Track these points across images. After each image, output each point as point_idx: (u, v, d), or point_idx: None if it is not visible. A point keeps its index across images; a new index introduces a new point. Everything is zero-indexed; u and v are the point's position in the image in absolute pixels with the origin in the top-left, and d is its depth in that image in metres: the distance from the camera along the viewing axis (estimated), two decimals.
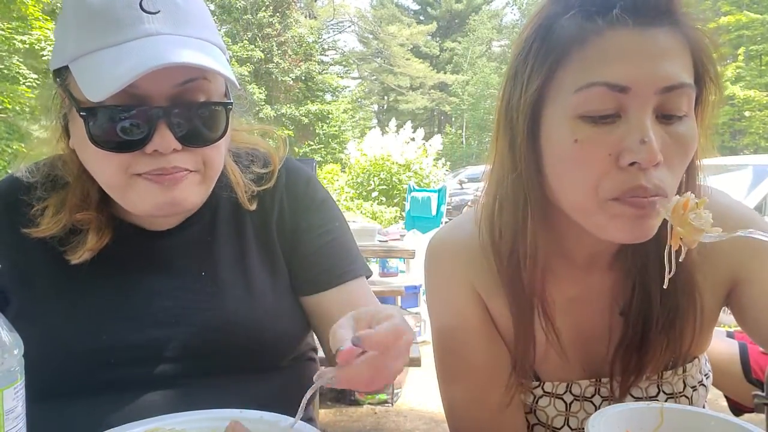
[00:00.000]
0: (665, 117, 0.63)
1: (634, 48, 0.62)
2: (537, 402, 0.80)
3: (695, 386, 0.82)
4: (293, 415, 0.66)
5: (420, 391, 3.65)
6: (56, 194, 0.84)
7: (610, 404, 0.78)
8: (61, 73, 0.76)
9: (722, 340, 1.11)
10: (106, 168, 0.75)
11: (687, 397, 0.81)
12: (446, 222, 7.07)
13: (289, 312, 0.90)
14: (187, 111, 0.74)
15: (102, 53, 0.70)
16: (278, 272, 0.91)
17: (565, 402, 0.80)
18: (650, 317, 0.74)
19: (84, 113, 0.72)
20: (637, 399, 0.80)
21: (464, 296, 0.80)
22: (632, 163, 0.62)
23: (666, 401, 0.80)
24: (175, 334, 0.81)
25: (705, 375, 0.84)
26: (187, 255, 0.87)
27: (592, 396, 0.80)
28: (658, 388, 0.80)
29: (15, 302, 0.83)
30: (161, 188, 0.75)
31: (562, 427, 0.80)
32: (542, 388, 0.80)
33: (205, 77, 0.76)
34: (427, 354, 4.32)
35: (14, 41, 9.49)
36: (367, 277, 0.97)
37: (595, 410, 0.77)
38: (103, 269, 0.83)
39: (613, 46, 0.62)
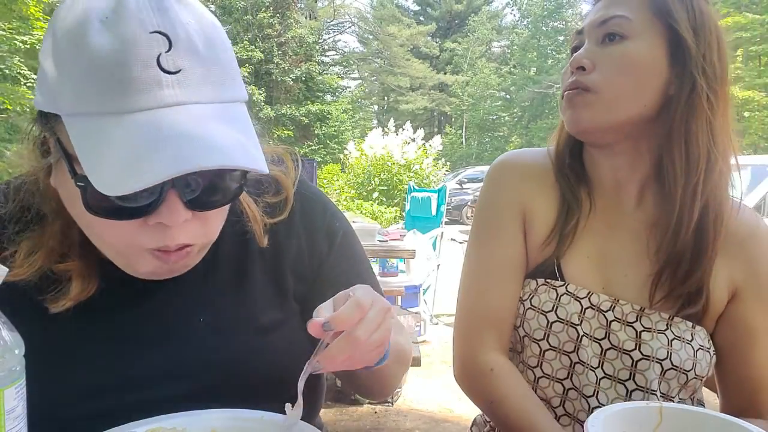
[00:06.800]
0: (608, 38, 0.89)
1: (591, 9, 0.94)
2: (559, 299, 0.91)
3: (702, 346, 0.89)
4: None
5: (420, 390, 3.65)
6: (30, 233, 0.73)
7: (621, 325, 0.88)
8: (50, 119, 0.63)
9: None
10: (105, 233, 0.66)
11: (693, 348, 0.88)
12: (445, 222, 7.06)
13: (302, 344, 0.80)
14: (201, 178, 0.64)
15: (109, 122, 0.58)
16: (288, 308, 0.84)
17: (582, 306, 0.91)
18: (677, 262, 0.88)
19: (82, 184, 0.60)
20: (647, 329, 0.88)
21: (510, 203, 0.98)
22: (572, 72, 0.90)
23: (672, 341, 0.87)
24: (168, 393, 0.73)
25: (713, 349, 0.91)
26: (183, 302, 0.78)
27: (607, 311, 0.90)
28: (667, 326, 0.88)
29: None
30: (164, 262, 0.68)
31: (578, 324, 0.90)
32: (566, 288, 0.92)
33: None
34: (426, 354, 4.28)
35: (15, 41, 9.49)
36: None
37: (606, 324, 0.89)
38: (87, 320, 0.73)
39: (589, 14, 0.95)
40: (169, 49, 0.58)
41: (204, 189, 0.65)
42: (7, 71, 9.79)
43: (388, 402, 3.41)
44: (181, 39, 0.59)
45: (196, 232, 0.68)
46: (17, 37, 9.56)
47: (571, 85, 0.89)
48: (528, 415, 0.86)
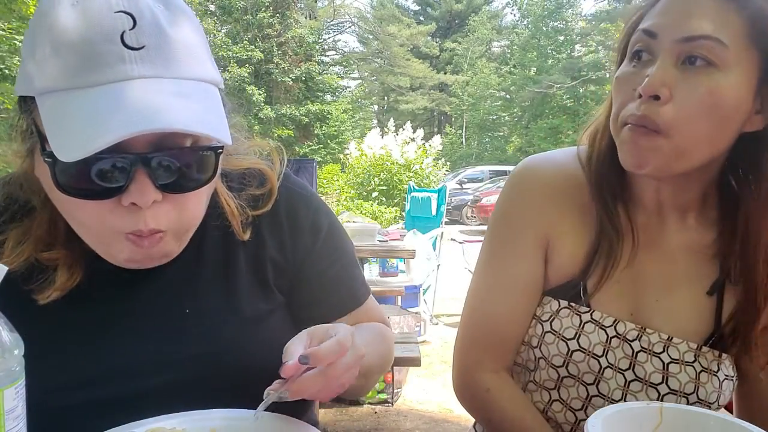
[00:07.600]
0: (689, 60, 0.72)
1: (671, 7, 0.75)
2: (583, 327, 0.85)
3: (727, 376, 0.86)
4: None
5: (420, 390, 3.65)
6: (19, 223, 0.75)
7: (648, 356, 0.84)
8: (27, 102, 0.66)
9: None
10: (79, 215, 0.67)
11: (719, 379, 0.85)
12: (445, 222, 7.06)
13: (289, 335, 0.80)
14: (170, 157, 0.65)
15: (74, 96, 0.61)
16: (273, 299, 0.85)
17: (608, 335, 0.85)
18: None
19: (49, 159, 0.62)
20: (674, 360, 0.84)
21: (531, 223, 0.88)
22: (640, 95, 0.73)
23: (700, 373, 0.84)
24: (158, 383, 0.74)
25: (735, 375, 0.88)
26: (169, 293, 0.78)
27: (633, 341, 0.85)
28: (695, 357, 0.84)
29: None
30: (138, 246, 0.69)
31: (601, 356, 0.85)
32: (591, 315, 0.85)
33: None
34: (426, 354, 4.28)
35: (15, 41, 9.49)
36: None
37: (632, 354, 0.84)
38: (75, 311, 0.75)
39: (658, 7, 0.76)
40: (134, 27, 0.61)
41: (176, 171, 0.66)
42: (7, 71, 9.78)
43: (388, 402, 3.41)
44: (146, 18, 0.62)
45: (169, 217, 0.68)
46: (17, 37, 9.54)
47: (639, 120, 0.73)
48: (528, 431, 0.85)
